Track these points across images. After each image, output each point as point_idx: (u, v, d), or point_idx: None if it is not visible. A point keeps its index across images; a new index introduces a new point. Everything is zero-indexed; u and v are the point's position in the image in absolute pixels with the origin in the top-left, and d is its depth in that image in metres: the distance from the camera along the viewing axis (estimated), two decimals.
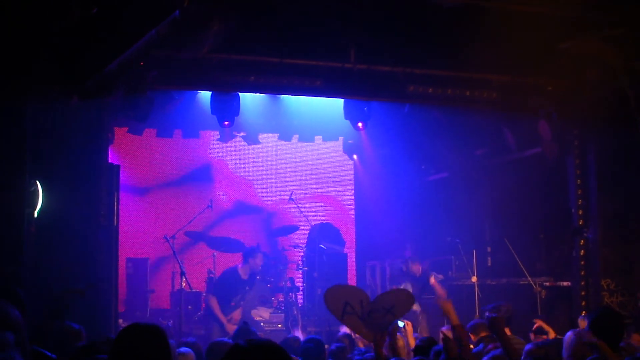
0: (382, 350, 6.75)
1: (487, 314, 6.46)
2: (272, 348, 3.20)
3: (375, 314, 7.71)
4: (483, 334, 8.70)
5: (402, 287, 13.93)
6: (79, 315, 6.78)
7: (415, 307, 13.87)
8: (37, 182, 9.55)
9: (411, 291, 13.82)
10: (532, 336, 9.97)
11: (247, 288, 13.44)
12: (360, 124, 13.68)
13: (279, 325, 13.84)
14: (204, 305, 13.86)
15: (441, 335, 6.94)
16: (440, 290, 13.92)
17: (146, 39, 9.00)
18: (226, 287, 13.35)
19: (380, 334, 7.02)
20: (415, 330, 12.50)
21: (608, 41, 10.65)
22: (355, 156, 17.62)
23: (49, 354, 4.93)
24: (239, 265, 13.53)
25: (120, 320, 11.75)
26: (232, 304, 13.34)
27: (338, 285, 8.80)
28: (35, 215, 9.52)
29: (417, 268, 13.91)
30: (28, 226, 9.30)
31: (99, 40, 9.45)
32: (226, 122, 13.12)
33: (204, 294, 13.91)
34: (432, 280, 13.88)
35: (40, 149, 9.82)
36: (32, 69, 9.39)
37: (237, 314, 13.32)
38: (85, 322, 7.88)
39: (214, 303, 13.16)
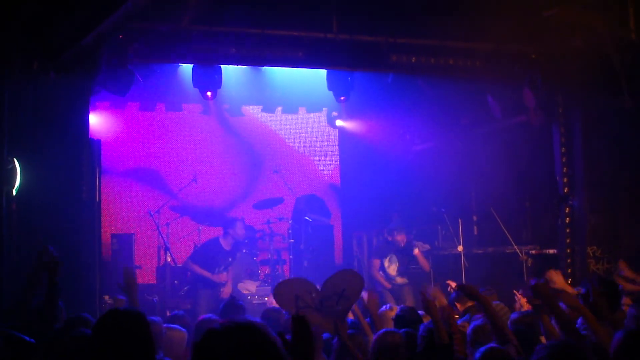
0: (347, 338, 6.57)
1: (532, 280, 6.27)
2: (249, 329, 3.12)
3: (327, 302, 7.60)
4: (469, 304, 8.68)
5: (386, 260, 13.93)
6: (62, 293, 6.69)
7: (400, 280, 13.87)
8: (15, 159, 9.42)
9: (397, 264, 13.85)
10: (518, 302, 9.95)
11: (229, 259, 13.32)
12: (342, 98, 13.57)
13: (266, 298, 13.79)
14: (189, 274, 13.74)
15: (422, 297, 6.81)
16: (423, 261, 13.90)
17: (122, 10, 8.86)
18: (208, 257, 13.22)
19: (340, 321, 6.89)
20: (403, 303, 12.48)
21: (592, 7, 10.58)
22: (339, 126, 17.52)
23: (27, 338, 4.83)
24: (220, 237, 13.43)
25: (107, 297, 11.67)
26: (215, 272, 13.23)
27: (283, 281, 8.68)
28: (14, 193, 9.40)
29: (401, 238, 13.83)
30: (8, 204, 9.20)
31: (74, 12, 9.31)
32: (209, 95, 13.01)
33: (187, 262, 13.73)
34: (416, 251, 13.84)
35: (19, 125, 9.69)
36: (8, 44, 9.25)
37: (224, 277, 13.21)
38: (69, 300, 7.82)
39: (196, 268, 13.05)
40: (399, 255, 13.85)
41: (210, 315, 7.85)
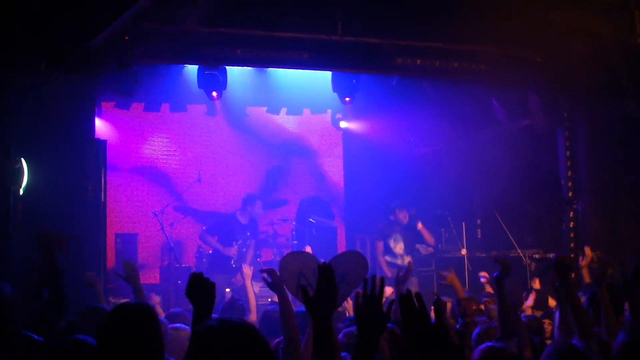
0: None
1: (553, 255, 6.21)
2: (242, 330, 3.16)
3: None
4: (473, 307, 8.69)
5: (391, 240, 13.91)
6: (66, 292, 6.69)
7: (408, 258, 13.80)
8: (22, 159, 9.46)
9: (402, 242, 13.82)
10: (525, 304, 9.98)
11: (247, 233, 13.41)
12: (347, 99, 13.63)
13: (269, 300, 13.80)
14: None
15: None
16: (427, 235, 13.88)
17: (130, 11, 8.91)
18: (225, 229, 13.33)
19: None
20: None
21: (597, 11, 10.58)
22: (343, 128, 17.53)
23: (36, 337, 4.85)
24: (237, 212, 13.55)
25: (110, 297, 11.70)
26: (234, 245, 13.32)
27: (291, 254, 8.42)
28: (21, 192, 9.44)
29: (403, 215, 13.83)
30: (14, 204, 9.23)
31: (83, 13, 9.34)
32: (214, 96, 13.07)
33: (201, 234, 13.80)
34: (420, 225, 13.81)
35: (25, 125, 9.73)
36: (16, 44, 9.29)
37: (234, 250, 13.33)
38: (73, 300, 7.84)
39: (212, 239, 13.20)
40: (404, 233, 13.84)
41: (214, 315, 7.85)
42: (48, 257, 5.73)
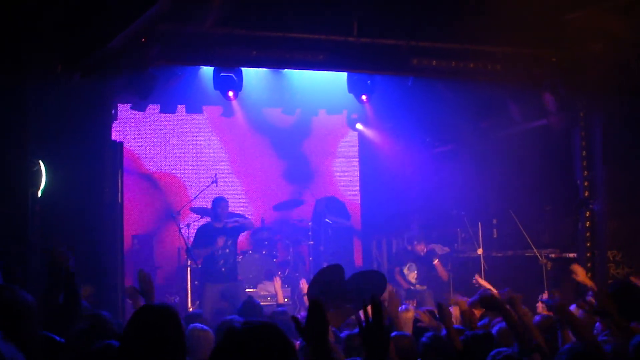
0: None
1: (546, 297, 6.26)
2: (268, 330, 3.19)
3: (345, 296, 7.42)
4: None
5: (405, 268, 14.00)
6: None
7: (420, 287, 13.94)
8: (40, 161, 9.52)
9: (415, 271, 13.91)
10: (539, 306, 9.96)
11: (225, 237, 13.32)
12: (364, 97, 13.66)
13: (286, 300, 13.84)
14: None
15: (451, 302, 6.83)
16: (442, 271, 14.00)
17: (148, 14, 8.94)
18: (204, 236, 13.28)
19: (342, 317, 6.79)
20: (423, 305, 12.51)
21: (613, 12, 10.56)
22: (359, 129, 17.56)
23: (58, 338, 4.88)
24: (210, 220, 13.54)
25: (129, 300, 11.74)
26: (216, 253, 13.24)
27: (333, 266, 8.33)
28: (39, 194, 9.50)
29: (421, 248, 13.97)
30: (32, 206, 9.29)
31: (100, 16, 9.38)
32: (229, 97, 13.11)
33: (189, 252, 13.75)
34: (436, 261, 13.94)
35: (43, 127, 9.79)
36: (34, 46, 9.34)
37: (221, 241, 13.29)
38: (92, 301, 7.89)
39: (198, 251, 13.14)
40: (419, 264, 13.95)
41: (234, 316, 7.88)
42: (59, 265, 5.78)
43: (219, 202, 13.43)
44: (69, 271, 5.80)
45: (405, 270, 13.99)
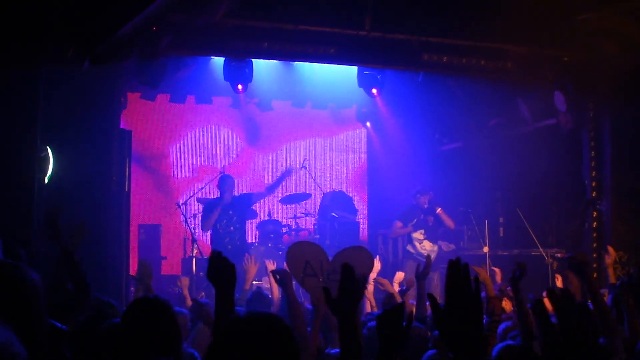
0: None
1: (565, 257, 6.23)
2: (271, 320, 3.19)
3: (333, 276, 7.39)
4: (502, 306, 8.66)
5: (410, 225, 13.95)
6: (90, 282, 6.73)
7: (429, 246, 13.84)
8: (48, 147, 9.53)
9: (423, 227, 13.84)
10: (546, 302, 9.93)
11: (230, 212, 13.33)
12: (374, 90, 13.64)
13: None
14: None
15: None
16: (447, 219, 13.91)
17: (158, 2, 8.94)
18: (208, 209, 13.32)
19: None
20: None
21: (626, 14, 10.54)
22: (368, 124, 17.55)
23: (59, 325, 4.88)
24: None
25: (132, 288, 11.76)
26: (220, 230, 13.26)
27: (300, 242, 8.34)
28: (46, 181, 9.52)
29: (424, 200, 13.90)
30: (39, 192, 9.30)
31: (112, 3, 9.38)
32: (239, 88, 13.09)
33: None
34: (439, 210, 13.87)
35: (52, 114, 9.80)
36: (44, 33, 9.34)
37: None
38: (96, 290, 7.88)
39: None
40: (424, 217, 13.88)
41: (206, 300, 7.87)
42: (64, 248, 5.76)
43: (225, 180, 13.50)
44: (76, 260, 5.79)
45: (413, 228, 13.95)
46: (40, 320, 4.01)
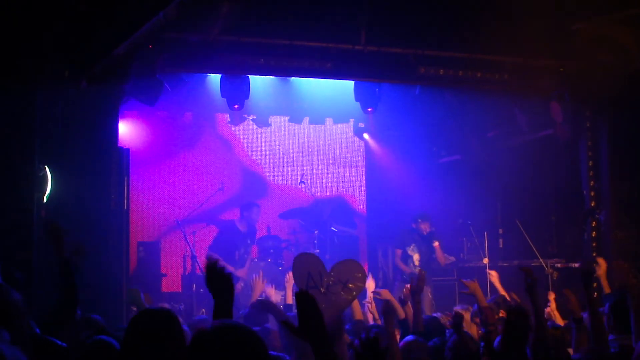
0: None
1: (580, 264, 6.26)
2: (239, 330, 3.19)
3: (333, 288, 7.44)
4: (495, 316, 8.66)
5: (410, 248, 13.97)
6: (89, 300, 6.73)
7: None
8: (46, 167, 9.53)
9: (419, 253, 13.87)
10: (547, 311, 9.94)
11: (248, 242, 13.41)
12: (369, 109, 13.66)
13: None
14: None
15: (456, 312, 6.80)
16: (440, 255, 13.98)
17: (154, 21, 8.96)
18: (226, 240, 13.36)
19: (337, 317, 6.69)
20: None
21: (621, 22, 10.57)
22: (366, 138, 17.55)
23: (59, 342, 4.86)
24: (236, 220, 13.59)
25: (133, 307, 11.73)
26: (236, 257, 13.32)
27: (302, 253, 8.39)
28: (45, 200, 9.51)
29: (425, 226, 13.93)
30: (38, 211, 9.29)
31: (107, 23, 9.41)
32: (236, 105, 13.12)
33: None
34: (436, 244, 13.93)
35: (50, 133, 9.80)
36: (41, 54, 9.36)
37: (242, 272, 13.36)
38: (96, 308, 7.87)
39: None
40: (421, 244, 13.90)
41: (205, 316, 7.86)
42: (60, 253, 5.74)
43: (251, 207, 13.69)
44: (69, 268, 5.73)
45: (409, 251, 13.96)
46: (23, 335, 4.04)
